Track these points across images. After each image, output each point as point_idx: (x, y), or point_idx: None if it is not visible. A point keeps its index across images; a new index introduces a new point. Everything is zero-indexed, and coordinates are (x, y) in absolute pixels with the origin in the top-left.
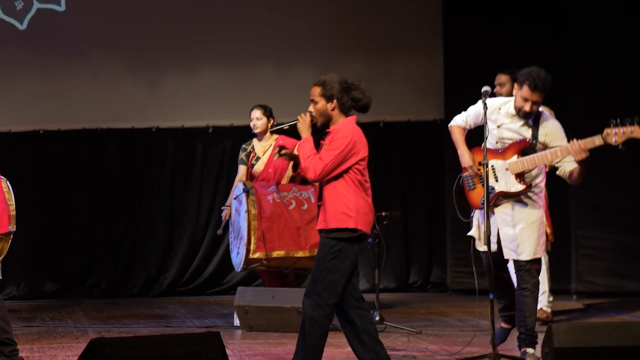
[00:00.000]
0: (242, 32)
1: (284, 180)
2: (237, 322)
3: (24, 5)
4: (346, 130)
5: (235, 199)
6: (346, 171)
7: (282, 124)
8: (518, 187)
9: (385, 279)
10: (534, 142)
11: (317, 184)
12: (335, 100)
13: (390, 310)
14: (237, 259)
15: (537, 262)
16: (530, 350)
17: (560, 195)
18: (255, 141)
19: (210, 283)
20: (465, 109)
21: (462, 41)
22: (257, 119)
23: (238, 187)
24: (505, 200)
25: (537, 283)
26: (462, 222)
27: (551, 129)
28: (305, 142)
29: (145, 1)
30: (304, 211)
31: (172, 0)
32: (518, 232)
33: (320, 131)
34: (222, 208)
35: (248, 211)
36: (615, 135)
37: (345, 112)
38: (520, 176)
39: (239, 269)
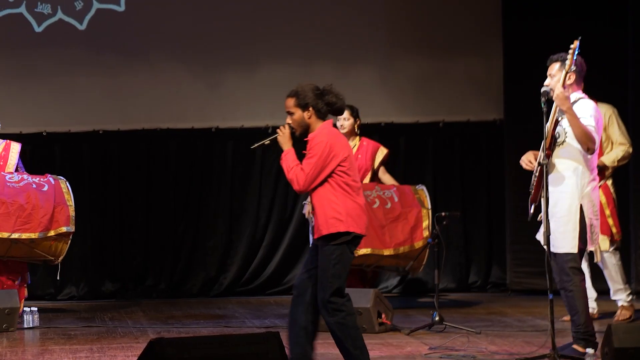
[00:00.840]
0: (302, 31)
1: (366, 180)
2: None
3: (84, 5)
4: (320, 136)
5: None
6: (330, 176)
7: (264, 140)
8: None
9: (445, 279)
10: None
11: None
12: (310, 108)
13: (450, 310)
14: None
15: (569, 258)
16: (590, 350)
17: (621, 194)
18: None
19: (270, 283)
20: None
21: (521, 39)
22: (345, 120)
23: None
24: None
25: (573, 280)
26: (521, 222)
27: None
28: (287, 155)
29: (204, 1)
30: (388, 210)
31: (230, 1)
32: (553, 226)
33: (301, 140)
34: (303, 203)
35: None
36: None
37: (322, 117)
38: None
39: None
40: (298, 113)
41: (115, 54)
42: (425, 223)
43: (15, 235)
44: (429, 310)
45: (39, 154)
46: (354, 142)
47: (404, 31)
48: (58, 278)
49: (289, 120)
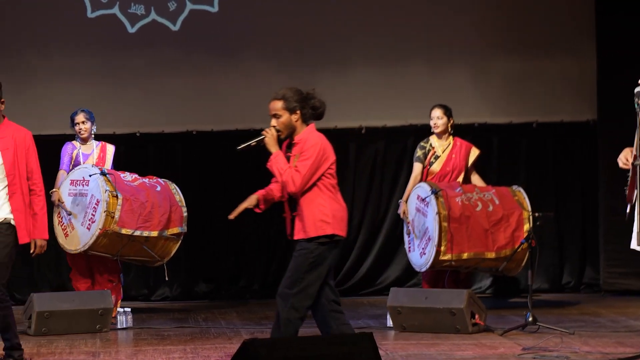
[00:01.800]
0: (396, 31)
1: (459, 180)
2: (390, 322)
3: (177, 6)
4: (314, 138)
5: (421, 200)
6: (319, 178)
7: (250, 142)
8: None
9: (538, 279)
10: None
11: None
12: (298, 112)
13: (543, 311)
14: (422, 259)
15: None
16: None
17: None
18: (434, 139)
19: (363, 284)
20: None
21: (615, 38)
22: (438, 118)
23: (422, 187)
24: None
25: None
26: (615, 223)
27: None
28: (277, 157)
29: (297, 1)
30: (490, 212)
31: (324, 1)
32: None
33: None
34: (399, 202)
35: (439, 213)
36: None
37: (306, 121)
38: None
39: (422, 269)
40: (285, 116)
41: (208, 55)
42: (527, 226)
43: (137, 233)
44: (522, 310)
45: (132, 155)
46: (447, 142)
47: (497, 31)
48: (167, 279)
49: (274, 123)
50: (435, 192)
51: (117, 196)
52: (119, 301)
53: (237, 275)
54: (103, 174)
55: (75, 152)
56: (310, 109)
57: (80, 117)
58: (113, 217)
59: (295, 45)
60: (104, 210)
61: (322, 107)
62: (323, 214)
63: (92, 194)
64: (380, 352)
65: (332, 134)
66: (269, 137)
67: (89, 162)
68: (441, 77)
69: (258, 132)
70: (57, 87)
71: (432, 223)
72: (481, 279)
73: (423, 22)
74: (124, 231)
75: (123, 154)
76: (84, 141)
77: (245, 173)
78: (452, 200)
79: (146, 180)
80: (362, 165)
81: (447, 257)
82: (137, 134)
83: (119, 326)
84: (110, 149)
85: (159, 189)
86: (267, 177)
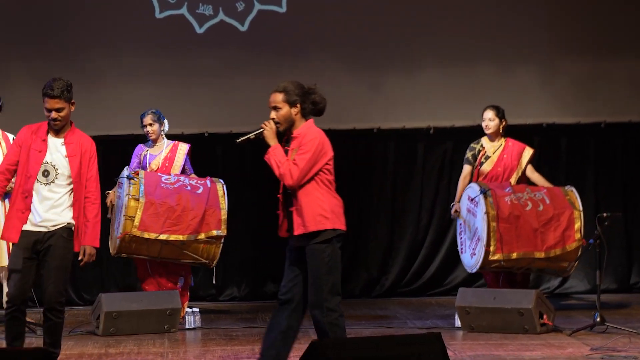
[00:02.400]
0: (463, 32)
1: (512, 180)
2: (458, 322)
3: (245, 6)
4: (313, 133)
5: (471, 200)
6: (317, 173)
7: (248, 134)
8: None
9: (606, 279)
10: None
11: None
12: (298, 105)
13: (611, 311)
14: (473, 260)
15: None
16: None
17: None
18: (485, 140)
19: (431, 284)
20: None
21: None
22: (490, 120)
23: (472, 188)
24: None
25: None
26: None
27: None
28: (275, 150)
29: (366, 2)
30: (540, 212)
31: (391, 1)
32: None
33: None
34: (451, 205)
35: (487, 212)
36: None
37: (305, 116)
38: None
39: (473, 270)
40: (285, 109)
41: (276, 55)
42: (578, 225)
43: (163, 237)
44: (591, 311)
45: (201, 155)
46: (499, 143)
47: (566, 31)
48: (214, 282)
49: (273, 115)
50: (484, 192)
51: (138, 200)
52: (186, 302)
53: None
54: (129, 177)
55: (143, 153)
56: (310, 103)
57: (147, 120)
58: (133, 221)
59: (363, 45)
60: (124, 214)
61: (323, 103)
62: (322, 209)
63: (121, 197)
64: (449, 352)
65: (400, 134)
66: (268, 130)
67: (154, 163)
68: (509, 77)
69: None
70: (125, 88)
71: (481, 223)
72: (549, 280)
73: (491, 22)
74: (146, 235)
75: (191, 154)
76: (154, 142)
77: None
78: (501, 200)
79: (193, 181)
80: (430, 165)
81: (497, 257)
82: (206, 134)
83: (187, 326)
84: (183, 148)
85: (200, 191)
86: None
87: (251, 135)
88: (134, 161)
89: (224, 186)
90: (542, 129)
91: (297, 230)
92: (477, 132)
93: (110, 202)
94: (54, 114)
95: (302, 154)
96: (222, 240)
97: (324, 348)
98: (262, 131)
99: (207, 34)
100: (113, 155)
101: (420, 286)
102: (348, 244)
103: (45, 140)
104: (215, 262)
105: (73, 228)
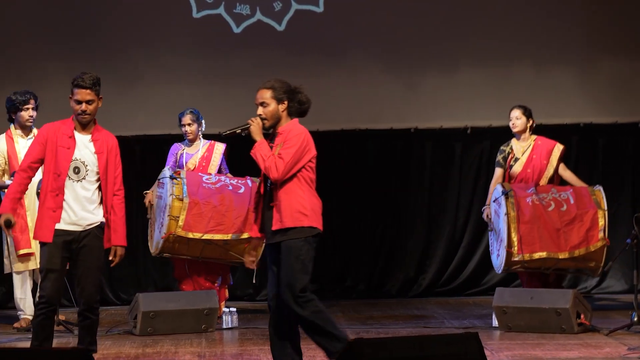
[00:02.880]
0: (500, 32)
1: (543, 181)
2: (495, 322)
3: (283, 6)
4: (298, 129)
5: (494, 201)
6: (299, 170)
7: (235, 128)
8: None
9: None
10: None
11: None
12: (285, 102)
13: None
14: (498, 261)
15: None
16: None
17: None
18: (514, 142)
19: (468, 283)
20: None
21: None
22: (517, 119)
23: (497, 189)
24: None
25: None
26: None
27: None
28: (261, 144)
29: (403, 2)
30: (563, 212)
31: (428, 1)
32: None
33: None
34: (482, 209)
35: (507, 214)
36: None
37: (291, 114)
38: None
39: (500, 271)
40: (273, 105)
41: (314, 55)
42: (601, 224)
43: (207, 237)
44: (628, 311)
45: (237, 154)
46: (528, 143)
47: (603, 31)
48: (254, 282)
49: (260, 112)
50: (505, 193)
51: (182, 200)
52: (223, 301)
53: (343, 275)
54: (172, 177)
55: (179, 152)
56: (296, 102)
57: (186, 119)
58: (177, 222)
59: (400, 45)
60: (167, 214)
61: (308, 104)
62: (302, 206)
63: (163, 197)
64: (486, 352)
65: (437, 134)
66: (255, 126)
67: (191, 162)
68: (546, 77)
69: (364, 132)
70: (162, 87)
71: (502, 224)
72: (586, 280)
73: (528, 22)
74: (190, 235)
75: (229, 154)
76: (191, 142)
77: (349, 174)
78: (522, 201)
79: (234, 181)
80: (467, 165)
81: (519, 257)
82: (243, 134)
83: (224, 326)
84: (219, 147)
85: (242, 190)
86: (375, 178)
87: (237, 130)
88: (170, 160)
89: None
90: (579, 128)
91: (275, 226)
92: None
93: (149, 202)
94: (84, 106)
95: (287, 148)
96: (264, 240)
97: (362, 347)
98: (248, 126)
99: (244, 34)
100: (151, 154)
101: (457, 286)
102: (385, 243)
103: (72, 137)
104: (257, 261)
105: (103, 226)
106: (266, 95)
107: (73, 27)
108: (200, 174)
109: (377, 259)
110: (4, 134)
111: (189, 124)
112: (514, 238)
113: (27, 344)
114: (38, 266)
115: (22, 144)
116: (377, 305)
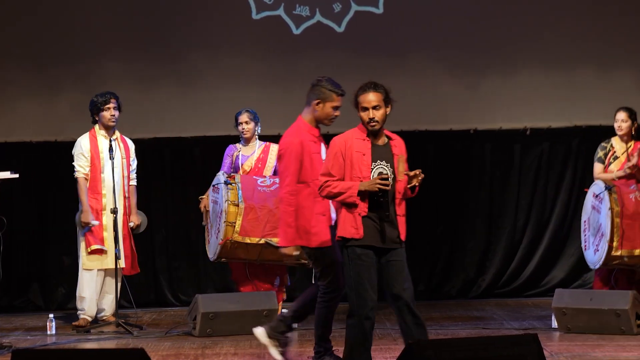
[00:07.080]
0: (562, 34)
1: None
2: (554, 324)
3: (342, 7)
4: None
5: (595, 197)
6: None
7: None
8: None
9: None
10: None
11: None
12: (390, 106)
13: None
14: (596, 256)
15: None
16: None
17: None
18: (615, 140)
19: (528, 285)
20: None
21: None
22: (623, 121)
23: (598, 184)
24: None
25: None
26: None
27: None
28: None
29: (463, 2)
30: None
31: (488, 3)
32: None
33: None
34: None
35: (611, 209)
36: None
37: None
38: None
39: (596, 267)
40: (384, 109)
41: (374, 56)
42: None
43: (264, 240)
44: None
45: None
46: (629, 145)
47: None
48: (313, 282)
49: (372, 115)
50: (608, 189)
51: (237, 205)
52: (281, 302)
53: None
54: (227, 182)
55: (235, 153)
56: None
57: (244, 117)
58: (234, 227)
59: (460, 46)
60: (224, 220)
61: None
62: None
63: (219, 202)
64: (545, 353)
65: (496, 135)
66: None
67: (247, 163)
68: (607, 79)
69: (423, 133)
70: (222, 89)
71: (604, 219)
72: None
73: (589, 24)
74: (248, 240)
75: None
76: (247, 142)
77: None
78: (625, 197)
79: None
80: (526, 166)
81: (619, 252)
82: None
83: None
84: (275, 148)
85: None
86: (435, 178)
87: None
88: (226, 161)
89: None
90: None
91: (403, 236)
92: (573, 133)
93: (204, 207)
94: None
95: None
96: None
97: (421, 349)
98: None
99: (304, 35)
100: (209, 156)
101: (517, 287)
102: (445, 245)
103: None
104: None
105: None
106: (380, 98)
107: (134, 29)
108: (254, 177)
109: (437, 260)
110: (88, 132)
111: (246, 122)
112: (617, 233)
113: (86, 345)
114: (110, 266)
115: (105, 144)
116: (436, 306)
